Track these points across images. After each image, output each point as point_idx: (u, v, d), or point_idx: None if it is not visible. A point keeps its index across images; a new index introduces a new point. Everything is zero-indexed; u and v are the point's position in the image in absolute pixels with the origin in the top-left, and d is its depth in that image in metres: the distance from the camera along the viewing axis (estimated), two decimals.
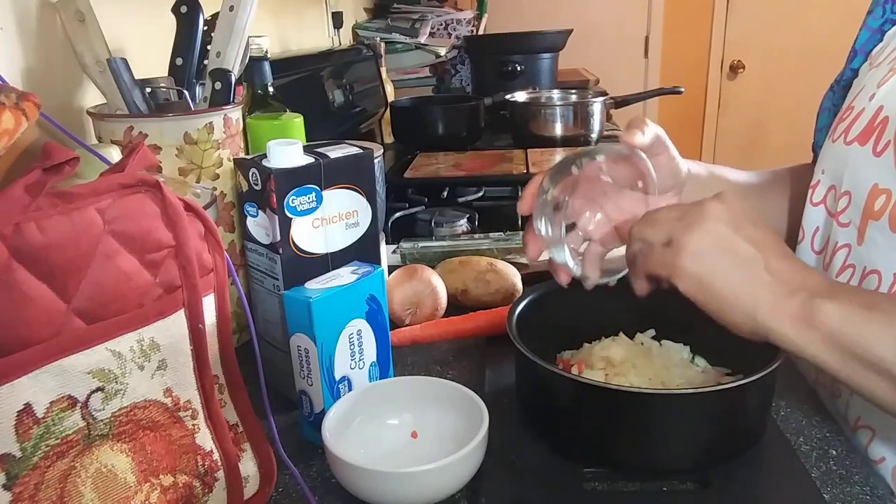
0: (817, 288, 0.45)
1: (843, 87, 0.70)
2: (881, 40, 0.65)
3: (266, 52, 0.83)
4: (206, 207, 0.54)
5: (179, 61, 0.72)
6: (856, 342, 0.44)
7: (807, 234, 0.66)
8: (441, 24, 2.19)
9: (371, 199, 0.66)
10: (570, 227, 0.60)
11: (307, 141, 0.77)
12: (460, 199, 1.22)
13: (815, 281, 0.46)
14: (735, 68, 3.43)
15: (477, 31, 2.29)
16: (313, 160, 0.61)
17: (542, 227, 0.56)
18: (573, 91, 1.78)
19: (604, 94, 1.65)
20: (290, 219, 0.60)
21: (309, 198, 0.61)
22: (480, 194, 1.24)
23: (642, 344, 0.65)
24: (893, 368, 0.43)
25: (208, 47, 0.73)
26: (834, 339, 0.44)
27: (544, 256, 0.58)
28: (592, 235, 0.60)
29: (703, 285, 0.47)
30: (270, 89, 0.85)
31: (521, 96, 1.70)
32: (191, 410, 0.46)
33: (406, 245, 0.97)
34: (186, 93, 0.72)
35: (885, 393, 0.44)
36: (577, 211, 0.60)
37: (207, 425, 0.48)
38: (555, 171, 0.56)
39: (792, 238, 0.68)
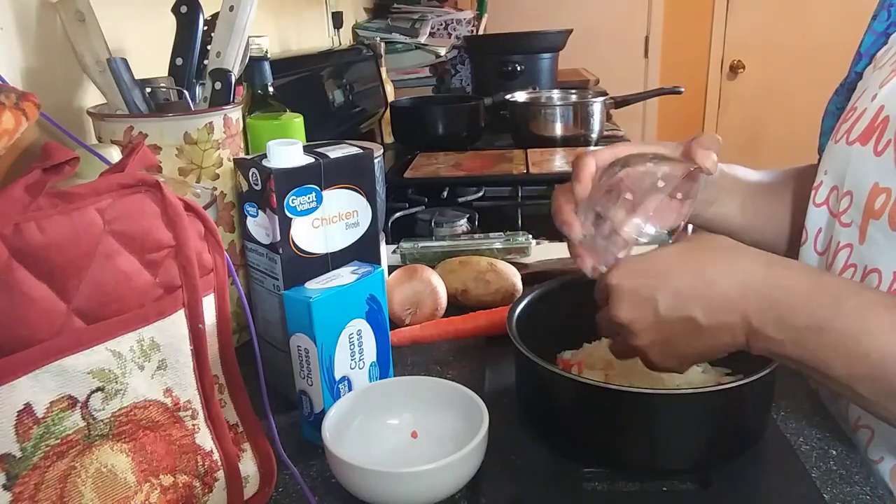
0: (763, 311, 0.46)
1: (847, 90, 0.70)
2: (885, 43, 0.65)
3: (266, 52, 0.83)
4: (206, 207, 0.54)
5: (179, 61, 0.72)
6: (810, 364, 0.45)
7: (810, 236, 0.66)
8: (441, 24, 2.19)
9: (371, 199, 0.66)
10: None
11: (307, 141, 0.77)
12: (460, 199, 1.22)
13: (758, 300, 0.46)
14: (735, 68, 3.43)
15: (477, 31, 2.29)
16: (313, 160, 0.61)
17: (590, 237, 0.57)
18: (573, 91, 1.78)
19: (604, 94, 1.65)
20: (290, 219, 0.60)
21: (309, 198, 0.61)
22: (480, 194, 1.24)
23: None
24: (850, 383, 0.44)
25: (208, 47, 0.72)
26: (791, 360, 0.46)
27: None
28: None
29: (681, 363, 0.51)
30: (270, 89, 0.85)
31: (521, 96, 1.70)
32: (191, 410, 0.46)
33: (406, 245, 0.97)
34: (186, 93, 0.72)
35: (848, 397, 0.46)
36: (621, 220, 0.59)
37: (207, 425, 0.48)
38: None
39: (796, 239, 0.68)
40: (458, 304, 0.82)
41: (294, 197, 0.60)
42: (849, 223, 0.60)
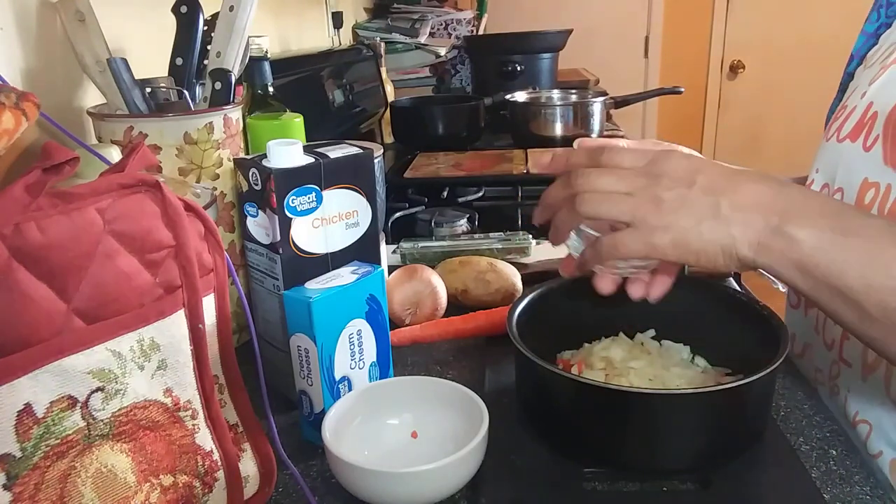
0: (790, 211, 0.45)
1: (840, 91, 0.71)
2: (876, 44, 0.66)
3: (266, 52, 0.83)
4: (206, 207, 0.54)
5: (179, 61, 0.72)
6: (825, 270, 0.44)
7: None
8: (441, 24, 2.19)
9: (371, 199, 0.66)
10: None
11: (307, 141, 0.77)
12: (460, 199, 1.22)
13: (787, 202, 0.45)
14: (735, 68, 3.43)
15: (477, 31, 2.29)
16: (313, 160, 0.61)
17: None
18: (573, 91, 1.78)
19: (604, 94, 1.65)
20: (290, 219, 0.60)
21: (309, 198, 0.61)
22: (480, 194, 1.24)
23: (642, 344, 0.65)
24: (859, 297, 0.43)
25: (208, 47, 0.72)
26: (805, 265, 0.44)
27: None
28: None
29: (679, 247, 0.47)
30: (270, 89, 0.85)
31: (521, 96, 1.70)
32: (191, 410, 0.46)
33: (406, 245, 0.97)
34: (186, 93, 0.72)
35: (851, 319, 0.45)
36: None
37: (207, 425, 0.48)
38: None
39: None
40: (458, 304, 0.82)
41: (294, 197, 0.60)
42: None
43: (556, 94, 1.77)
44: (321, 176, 0.61)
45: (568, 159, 0.52)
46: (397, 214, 1.13)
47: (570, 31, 1.98)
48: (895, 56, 0.60)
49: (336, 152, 0.64)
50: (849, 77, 0.70)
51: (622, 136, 1.74)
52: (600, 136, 1.60)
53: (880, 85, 0.59)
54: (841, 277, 0.43)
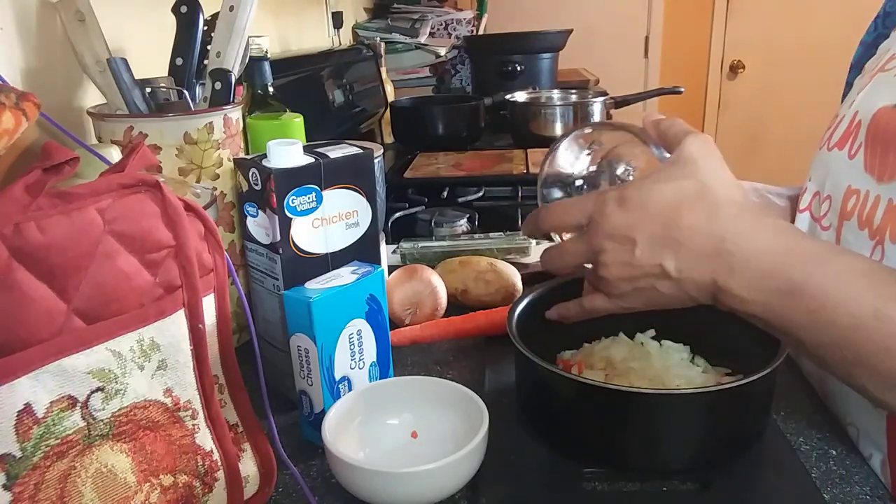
0: (732, 270, 0.44)
1: (842, 101, 0.72)
2: (875, 54, 0.66)
3: (266, 52, 0.83)
4: (206, 207, 0.54)
5: (179, 61, 0.72)
6: (777, 326, 0.44)
7: None
8: (441, 24, 2.19)
9: (371, 199, 0.66)
10: None
11: (307, 141, 0.77)
12: (460, 199, 1.22)
13: (729, 257, 0.44)
14: (735, 68, 3.43)
15: (477, 31, 2.29)
16: (313, 160, 0.61)
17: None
18: (573, 91, 1.78)
19: (604, 94, 1.65)
20: (290, 219, 0.60)
21: (309, 198, 0.61)
22: (480, 194, 1.24)
23: (642, 344, 0.65)
24: (812, 350, 0.44)
25: (208, 47, 0.72)
26: (759, 318, 0.45)
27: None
28: None
29: (652, 303, 0.49)
30: (270, 89, 0.85)
31: (521, 96, 1.70)
32: (191, 410, 0.46)
33: (406, 245, 0.97)
34: (186, 93, 0.72)
35: (815, 361, 0.45)
36: None
37: (207, 425, 0.48)
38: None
39: None
40: (458, 304, 0.82)
41: (294, 197, 0.60)
42: (828, 227, 0.62)
43: (556, 94, 1.77)
44: (321, 176, 0.61)
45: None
46: (397, 214, 1.13)
47: (570, 31, 1.98)
48: (881, 65, 0.60)
49: (336, 152, 0.64)
50: (848, 87, 0.71)
51: None
52: None
53: (865, 94, 0.61)
54: (794, 333, 0.44)
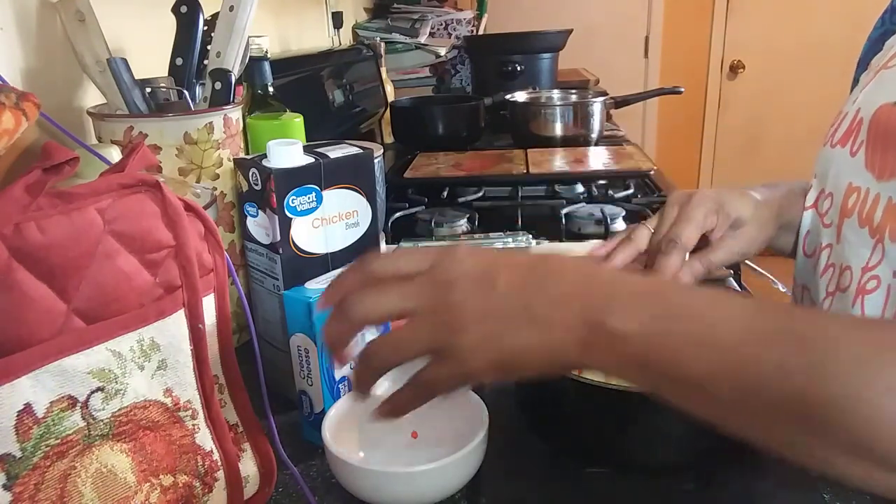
0: (605, 302, 0.38)
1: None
2: (881, 50, 0.66)
3: (266, 52, 0.83)
4: (206, 207, 0.54)
5: (179, 61, 0.72)
6: (659, 362, 0.37)
7: (800, 237, 0.68)
8: (441, 24, 2.19)
9: (371, 199, 0.66)
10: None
11: (307, 141, 0.77)
12: (460, 199, 1.22)
13: (600, 291, 0.39)
14: (735, 68, 3.43)
15: (477, 31, 2.29)
16: (313, 160, 0.61)
17: None
18: (573, 91, 1.78)
19: (604, 94, 1.65)
20: (290, 219, 0.60)
21: (309, 198, 0.61)
22: (480, 194, 1.24)
23: None
24: (704, 384, 0.36)
25: (208, 47, 0.73)
26: (638, 361, 0.37)
27: None
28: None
29: (500, 367, 0.40)
30: (270, 89, 0.85)
31: (521, 96, 1.70)
32: (191, 410, 0.46)
33: (406, 245, 0.97)
34: (186, 93, 0.72)
35: (706, 409, 0.37)
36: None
37: (207, 425, 0.48)
38: None
39: None
40: None
41: (294, 197, 0.60)
42: (830, 224, 0.62)
43: (556, 94, 1.77)
44: (321, 176, 0.61)
45: (337, 287, 0.43)
46: (397, 214, 1.13)
47: (570, 31, 1.98)
48: (885, 62, 0.60)
49: (336, 152, 0.64)
50: (856, 83, 0.71)
51: (622, 137, 1.75)
52: (600, 136, 1.60)
53: (867, 91, 0.61)
54: (679, 367, 0.36)
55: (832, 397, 0.33)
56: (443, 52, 2.05)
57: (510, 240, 0.97)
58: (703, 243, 0.63)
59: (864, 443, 0.32)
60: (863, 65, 0.70)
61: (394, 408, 0.43)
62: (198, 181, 0.68)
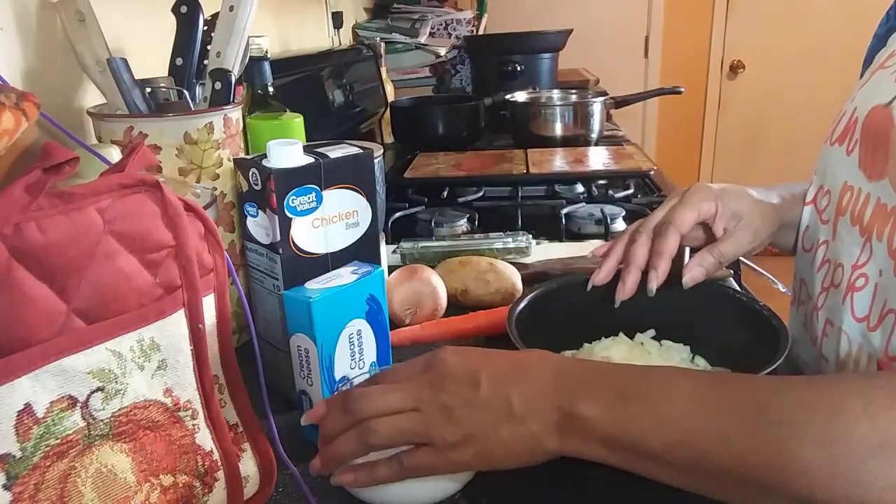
0: (572, 390, 0.43)
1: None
2: (884, 46, 0.67)
3: (266, 52, 0.83)
4: (206, 207, 0.54)
5: (179, 61, 0.72)
6: (625, 440, 0.41)
7: (799, 233, 0.69)
8: (441, 24, 2.19)
9: (371, 199, 0.66)
10: None
11: (307, 141, 0.77)
12: (460, 199, 1.22)
13: (567, 381, 0.44)
14: (735, 68, 3.43)
15: (477, 31, 2.29)
16: (313, 160, 0.61)
17: None
18: (573, 91, 1.78)
19: (604, 94, 1.65)
20: (290, 219, 0.60)
21: (309, 198, 0.61)
22: (480, 194, 1.24)
23: (642, 344, 0.65)
24: (665, 457, 0.41)
25: (208, 47, 0.72)
26: (607, 441, 0.42)
27: None
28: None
29: (483, 458, 0.45)
30: (270, 89, 0.85)
31: (521, 96, 1.70)
32: (191, 410, 0.46)
33: (406, 245, 0.97)
34: (186, 93, 0.72)
35: (674, 481, 0.42)
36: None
37: (207, 425, 0.48)
38: None
39: None
40: (458, 304, 0.82)
41: (294, 197, 0.60)
42: (827, 220, 0.63)
43: (556, 94, 1.77)
44: (321, 176, 0.61)
45: (339, 396, 0.49)
46: (397, 214, 1.13)
47: (570, 31, 1.98)
48: (882, 62, 0.61)
49: (336, 152, 0.64)
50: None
51: (622, 137, 1.75)
52: (600, 136, 1.60)
53: (864, 91, 0.61)
54: (642, 443, 0.41)
55: (768, 457, 0.37)
56: (443, 52, 2.05)
57: (510, 240, 0.97)
58: (711, 238, 0.64)
59: (803, 496, 0.36)
60: (868, 61, 0.70)
61: (357, 478, 0.48)
62: (198, 181, 0.68)
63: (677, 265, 0.62)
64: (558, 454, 0.44)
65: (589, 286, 0.64)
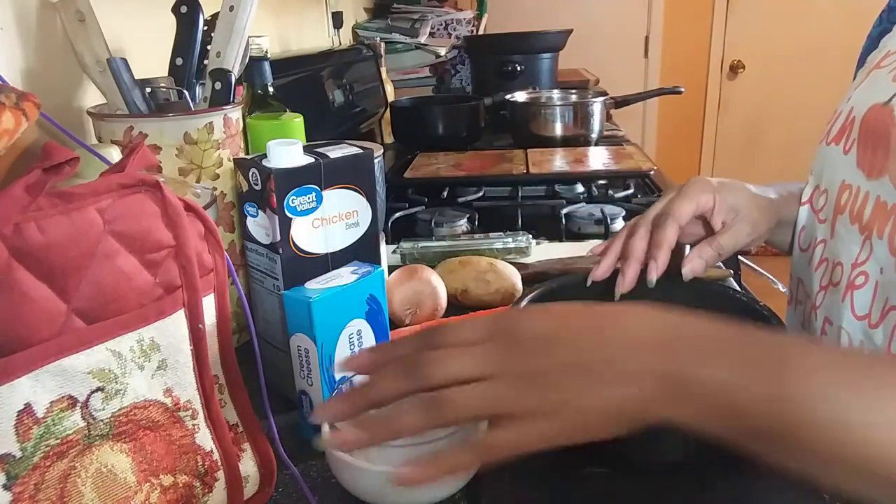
0: (688, 351, 0.37)
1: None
2: (877, 48, 0.67)
3: (266, 52, 0.83)
4: (206, 207, 0.54)
5: (179, 61, 0.72)
6: (755, 413, 0.35)
7: (796, 232, 0.69)
8: (441, 24, 2.19)
9: (371, 199, 0.66)
10: None
11: (307, 141, 0.77)
12: (460, 199, 1.22)
13: (680, 340, 0.37)
14: (735, 68, 3.43)
15: (477, 31, 2.29)
16: (313, 160, 0.61)
17: None
18: (573, 91, 1.78)
19: (604, 94, 1.65)
20: (290, 219, 0.60)
21: (309, 198, 0.61)
22: (480, 194, 1.24)
23: None
24: (813, 438, 0.35)
25: (208, 47, 0.73)
26: (734, 412, 0.36)
27: None
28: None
29: (574, 430, 0.38)
30: (270, 89, 0.85)
31: (521, 96, 1.70)
32: (191, 410, 0.46)
33: (406, 245, 0.97)
34: (186, 93, 0.72)
35: (807, 466, 0.37)
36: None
37: (207, 425, 0.48)
38: None
39: None
40: (458, 304, 0.82)
41: (294, 197, 0.60)
42: (824, 220, 0.63)
43: (556, 94, 1.77)
44: (321, 176, 0.61)
45: (390, 351, 0.41)
46: (397, 214, 1.13)
47: (570, 31, 1.98)
48: (877, 61, 0.61)
49: (336, 152, 0.64)
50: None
51: (622, 137, 1.75)
52: (600, 136, 1.60)
53: (860, 90, 0.62)
54: (781, 417, 0.34)
55: None
56: (443, 52, 2.05)
57: (510, 240, 0.97)
58: (710, 233, 0.64)
59: None
60: (862, 62, 0.70)
61: (451, 468, 0.40)
62: (198, 181, 0.68)
63: (677, 260, 0.62)
64: (658, 422, 0.38)
65: (589, 281, 0.64)
